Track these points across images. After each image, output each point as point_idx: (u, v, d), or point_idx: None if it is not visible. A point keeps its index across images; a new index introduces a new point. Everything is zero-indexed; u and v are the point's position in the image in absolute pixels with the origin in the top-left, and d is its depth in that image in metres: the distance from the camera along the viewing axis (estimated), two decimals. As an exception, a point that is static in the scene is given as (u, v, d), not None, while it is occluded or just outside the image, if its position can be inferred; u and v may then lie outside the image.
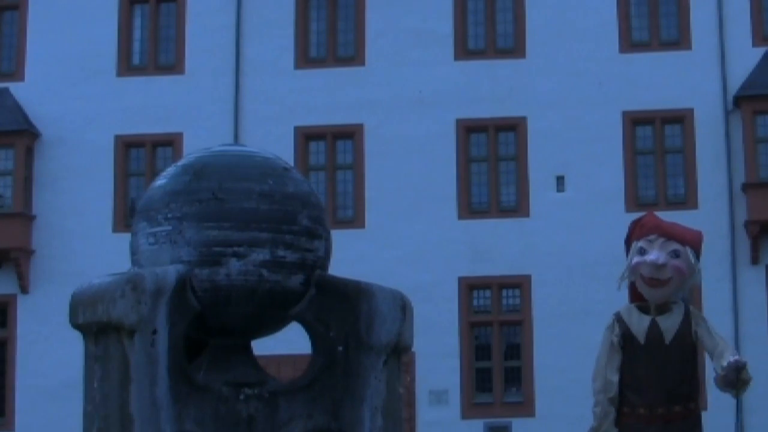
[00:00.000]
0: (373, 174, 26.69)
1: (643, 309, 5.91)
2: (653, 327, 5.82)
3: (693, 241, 5.95)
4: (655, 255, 5.80)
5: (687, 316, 5.87)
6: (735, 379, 5.62)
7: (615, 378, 5.79)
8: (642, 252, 5.86)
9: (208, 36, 27.39)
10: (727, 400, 26.40)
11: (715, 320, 22.91)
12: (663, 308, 5.87)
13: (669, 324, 5.82)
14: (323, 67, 27.33)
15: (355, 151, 27.10)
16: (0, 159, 27.13)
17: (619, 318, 5.90)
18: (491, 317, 26.44)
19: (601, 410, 5.82)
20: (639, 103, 26.35)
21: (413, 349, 4.99)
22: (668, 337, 5.80)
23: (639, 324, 5.84)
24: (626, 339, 5.83)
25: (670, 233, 5.90)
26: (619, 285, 6.04)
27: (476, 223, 26.35)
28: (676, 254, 5.84)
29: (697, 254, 5.96)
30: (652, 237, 5.88)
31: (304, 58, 27.49)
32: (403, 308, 4.52)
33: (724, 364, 5.64)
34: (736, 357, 5.66)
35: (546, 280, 25.76)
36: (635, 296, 5.99)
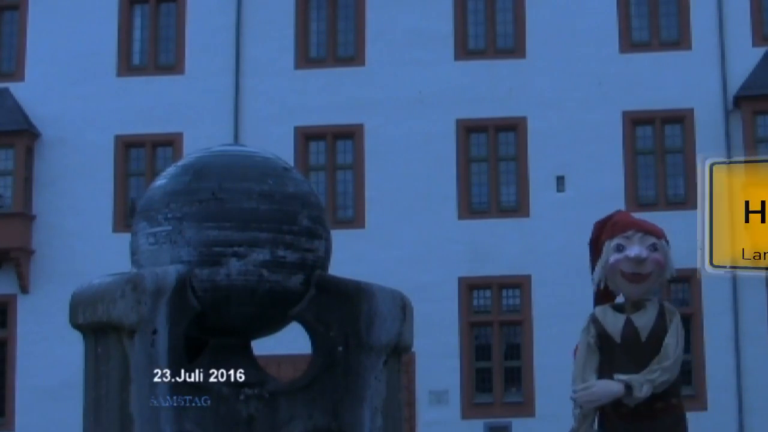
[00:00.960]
0: (373, 174, 26.68)
1: (618, 308, 5.94)
2: (628, 325, 5.85)
3: (664, 236, 6.02)
4: (637, 249, 5.84)
5: (661, 312, 5.90)
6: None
7: (593, 379, 5.81)
8: (620, 249, 5.89)
9: (208, 36, 27.38)
10: (727, 400, 26.35)
11: (715, 320, 22.86)
12: (638, 305, 5.90)
13: (644, 321, 5.85)
14: (323, 67, 27.33)
15: (355, 151, 27.09)
16: (0, 159, 27.13)
17: (594, 319, 5.93)
18: (491, 317, 26.43)
19: (580, 412, 5.85)
20: (639, 103, 26.34)
21: (413, 349, 4.98)
22: (644, 334, 5.82)
23: (614, 323, 5.87)
24: (602, 339, 5.85)
25: (646, 228, 5.96)
26: (595, 288, 6.05)
27: (476, 223, 26.34)
28: (654, 248, 5.90)
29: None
30: (629, 233, 5.91)
31: (304, 58, 27.49)
32: (403, 308, 4.52)
33: (623, 378, 5.70)
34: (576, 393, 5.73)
35: (546, 280, 25.75)
36: (604, 299, 6.01)
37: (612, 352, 5.82)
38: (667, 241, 6.04)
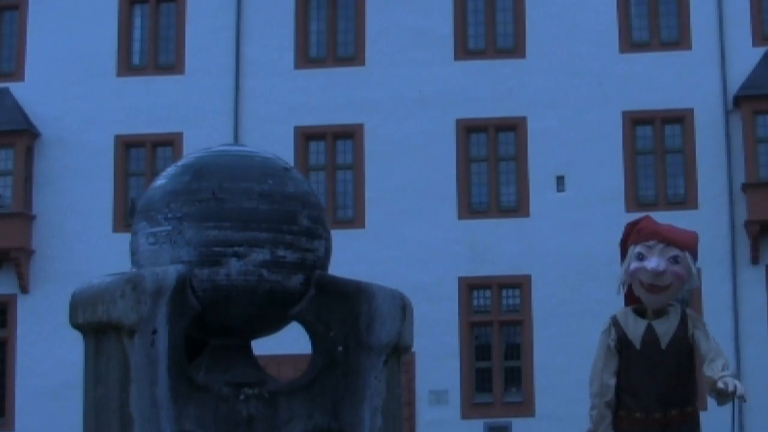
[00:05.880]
0: (373, 174, 26.69)
1: (639, 312, 5.89)
2: (649, 331, 5.80)
3: (691, 245, 5.91)
4: (655, 262, 5.74)
5: (683, 319, 5.84)
6: (730, 398, 5.59)
7: (612, 382, 5.78)
8: (640, 258, 5.80)
9: (208, 36, 27.38)
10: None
11: (715, 320, 22.86)
12: (659, 312, 5.84)
13: (665, 328, 5.80)
14: (323, 67, 27.33)
15: (355, 151, 27.10)
16: (0, 159, 27.13)
17: (615, 322, 5.88)
18: (491, 317, 26.43)
19: (597, 414, 5.82)
20: (639, 103, 26.34)
21: (413, 349, 4.98)
22: (664, 341, 5.77)
23: (635, 329, 5.82)
24: (622, 343, 5.81)
25: (669, 239, 5.84)
26: (618, 290, 6.00)
27: (476, 223, 26.34)
28: (675, 260, 5.79)
29: (695, 257, 5.93)
30: (651, 243, 5.81)
31: (304, 58, 27.49)
32: (403, 308, 4.52)
33: (714, 375, 5.57)
34: (736, 387, 5.54)
35: (546, 280, 25.76)
36: (631, 300, 5.97)
37: (631, 357, 5.77)
38: (694, 252, 5.92)
